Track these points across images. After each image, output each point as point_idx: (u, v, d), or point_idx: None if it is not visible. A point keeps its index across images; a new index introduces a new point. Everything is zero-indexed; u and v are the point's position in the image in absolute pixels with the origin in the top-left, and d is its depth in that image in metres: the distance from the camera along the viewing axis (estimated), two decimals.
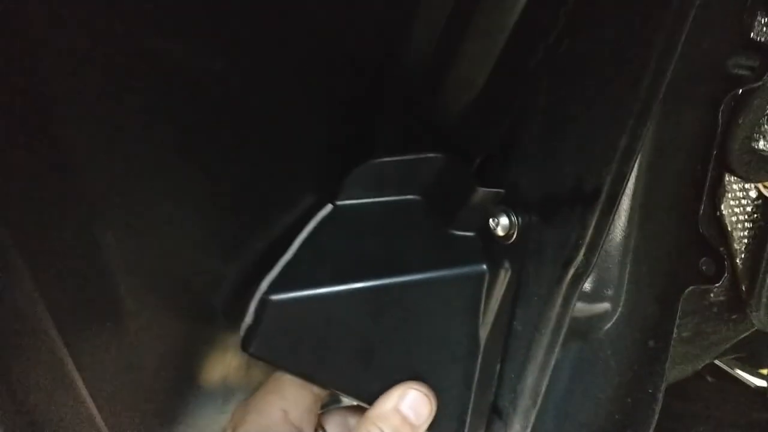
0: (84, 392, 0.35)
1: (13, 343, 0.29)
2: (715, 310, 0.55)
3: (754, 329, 0.59)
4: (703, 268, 0.45)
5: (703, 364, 0.63)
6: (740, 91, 0.42)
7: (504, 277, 0.46)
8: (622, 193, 0.38)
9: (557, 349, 0.45)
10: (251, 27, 0.37)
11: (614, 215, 0.39)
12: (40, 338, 0.30)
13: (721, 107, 0.42)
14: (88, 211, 0.33)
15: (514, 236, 0.45)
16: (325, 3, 0.40)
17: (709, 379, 0.81)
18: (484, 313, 0.47)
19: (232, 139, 0.41)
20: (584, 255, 0.40)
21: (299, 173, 0.48)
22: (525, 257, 0.45)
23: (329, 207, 0.48)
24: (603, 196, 0.39)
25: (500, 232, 0.46)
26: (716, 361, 0.86)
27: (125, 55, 0.31)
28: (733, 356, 0.79)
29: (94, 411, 0.36)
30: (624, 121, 0.37)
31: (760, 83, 0.40)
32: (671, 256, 0.47)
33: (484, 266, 0.46)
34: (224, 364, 0.51)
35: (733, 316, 0.56)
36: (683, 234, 0.46)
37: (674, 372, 0.62)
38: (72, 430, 0.35)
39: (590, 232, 0.40)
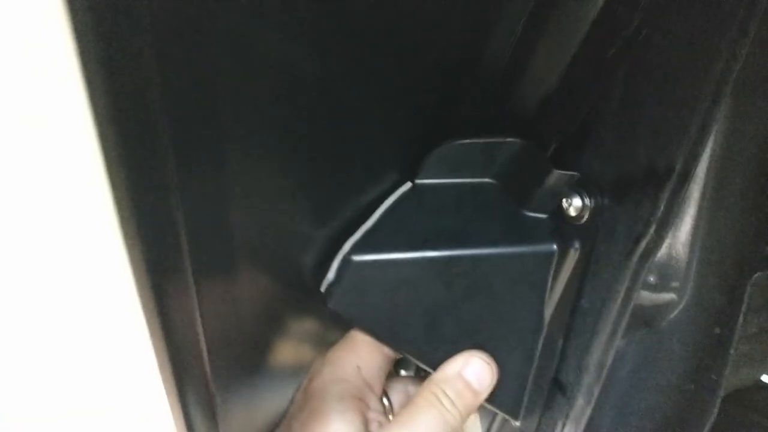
0: (199, 330, 0.39)
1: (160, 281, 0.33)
2: None
3: None
4: None
5: (766, 371, 0.63)
6: None
7: (573, 257, 0.48)
8: (694, 172, 0.40)
9: (623, 326, 0.47)
10: (356, 31, 0.41)
11: (685, 193, 0.41)
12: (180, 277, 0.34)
13: None
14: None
15: (586, 217, 0.48)
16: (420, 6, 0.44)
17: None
18: (551, 291, 0.50)
19: (333, 128, 0.45)
20: (655, 231, 0.42)
21: (386, 155, 0.52)
22: (596, 237, 0.47)
23: (409, 184, 0.52)
24: (675, 175, 0.41)
25: (572, 212, 0.48)
26: None
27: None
28: None
29: (204, 348, 0.40)
30: (698, 104, 0.40)
31: None
32: (739, 243, 0.48)
33: (554, 246, 0.49)
34: (309, 326, 0.55)
35: None
36: (752, 221, 0.48)
37: (741, 374, 0.62)
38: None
39: (662, 208, 0.42)
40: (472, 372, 0.48)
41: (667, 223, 0.42)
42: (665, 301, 0.53)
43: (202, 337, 0.39)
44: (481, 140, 0.50)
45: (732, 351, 0.49)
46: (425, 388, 0.47)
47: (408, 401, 0.49)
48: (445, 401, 0.46)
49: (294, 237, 0.47)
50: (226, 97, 0.34)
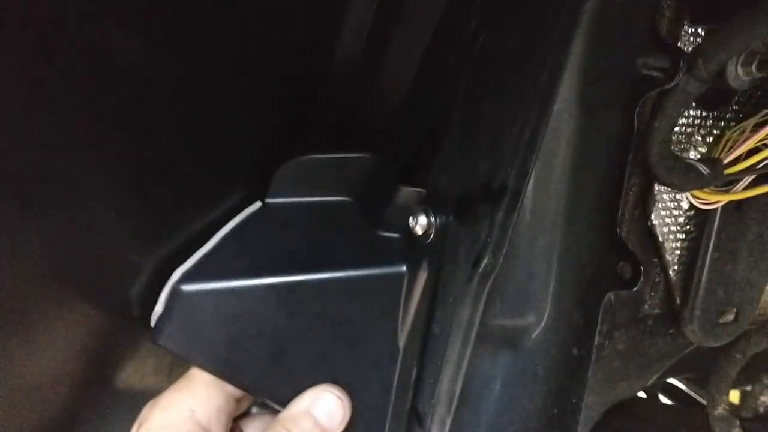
0: None
1: None
2: (650, 323, 0.54)
3: (695, 347, 0.59)
4: (621, 272, 0.44)
5: (649, 382, 0.61)
6: (654, 93, 0.41)
7: (422, 278, 0.45)
8: (525, 191, 0.38)
9: (468, 352, 0.44)
10: (185, 24, 0.37)
11: (518, 212, 0.38)
12: None
13: (636, 110, 0.42)
14: None
15: (432, 235, 0.45)
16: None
17: (663, 399, 0.80)
18: (404, 314, 0.46)
19: (154, 130, 0.40)
20: (492, 253, 0.40)
21: (225, 168, 0.47)
22: (442, 257, 0.44)
23: (257, 204, 0.48)
24: (508, 194, 0.38)
25: (419, 231, 0.45)
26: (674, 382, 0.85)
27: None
28: (684, 376, 0.78)
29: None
30: (526, 116, 0.37)
31: (673, 85, 0.40)
32: (592, 262, 0.46)
33: (404, 267, 0.46)
34: (142, 366, 0.50)
35: (670, 330, 0.55)
36: (604, 239, 0.46)
37: (618, 389, 0.60)
38: None
39: (497, 230, 0.39)
40: (321, 409, 0.44)
41: (502, 244, 0.39)
42: (526, 322, 0.51)
43: None
44: (332, 156, 0.46)
45: (590, 373, 0.47)
46: (271, 429, 0.43)
47: None
48: None
49: (114, 263, 0.43)
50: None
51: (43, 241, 0.37)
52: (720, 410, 0.56)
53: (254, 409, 0.54)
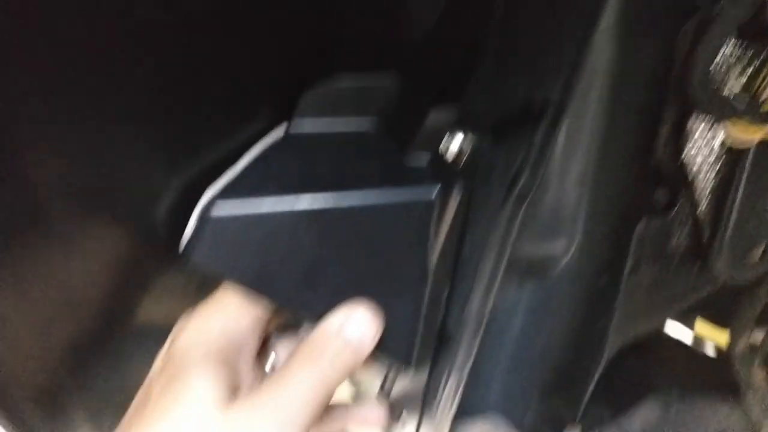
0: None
1: None
2: (676, 258, 0.54)
3: (717, 285, 0.59)
4: (657, 198, 0.44)
5: (668, 318, 0.62)
6: (696, 21, 0.40)
7: (454, 202, 0.45)
8: (568, 106, 0.37)
9: (500, 275, 0.44)
10: None
11: (559, 130, 0.38)
12: None
13: (678, 36, 0.41)
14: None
15: (466, 159, 0.44)
16: None
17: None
18: (435, 238, 0.46)
19: (176, 50, 0.40)
20: (529, 173, 0.40)
21: (250, 90, 0.47)
22: (475, 180, 0.44)
23: (283, 128, 0.47)
24: (549, 111, 0.38)
25: (451, 154, 0.45)
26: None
27: None
28: (699, 314, 0.78)
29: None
30: (571, 34, 0.36)
31: (716, 11, 0.39)
32: (627, 188, 0.46)
33: (435, 191, 0.46)
34: (167, 298, 0.51)
35: (695, 267, 0.55)
36: (640, 165, 0.45)
37: (638, 325, 0.61)
38: None
39: (536, 148, 0.39)
40: (353, 328, 0.44)
41: (539, 164, 0.39)
42: (554, 251, 0.51)
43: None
44: (360, 78, 0.46)
45: (617, 302, 0.47)
46: (300, 348, 0.44)
47: None
48: (321, 362, 0.42)
49: (141, 185, 0.43)
50: None
51: (67, 160, 0.36)
52: (741, 347, 0.56)
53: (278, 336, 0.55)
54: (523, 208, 0.41)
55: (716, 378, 0.68)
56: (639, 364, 0.66)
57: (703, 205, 0.52)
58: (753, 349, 0.58)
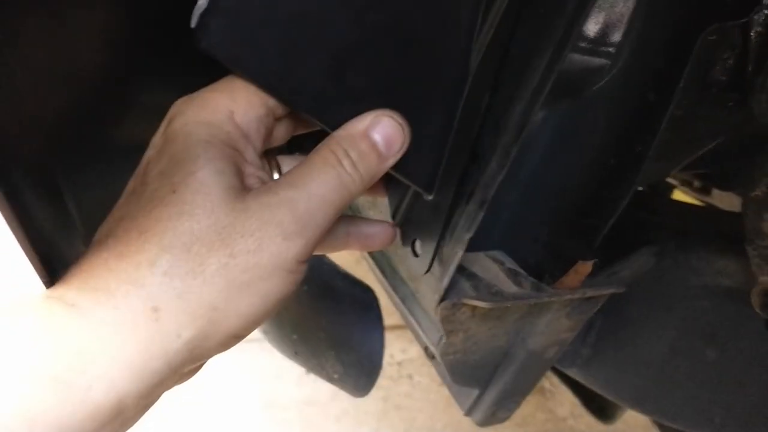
0: None
1: None
2: (713, 90, 0.50)
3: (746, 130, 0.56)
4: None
5: (678, 166, 0.59)
6: None
7: None
8: None
9: (553, 77, 0.39)
10: None
11: None
12: None
13: None
14: None
15: None
16: None
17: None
18: (479, 31, 0.40)
19: None
20: None
21: None
22: None
23: None
24: None
25: None
26: None
27: None
28: (702, 171, 0.77)
29: None
30: None
31: None
32: None
33: None
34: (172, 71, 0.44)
35: (730, 103, 0.52)
36: None
37: (651, 170, 0.58)
38: None
39: None
40: (380, 132, 0.39)
41: None
42: (596, 66, 0.46)
43: None
44: None
45: (664, 122, 0.43)
46: (323, 146, 0.38)
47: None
48: (345, 162, 0.38)
49: None
50: None
51: None
52: (758, 192, 0.54)
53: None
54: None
55: (714, 231, 0.68)
56: (634, 216, 0.65)
57: (755, 30, 0.48)
58: None
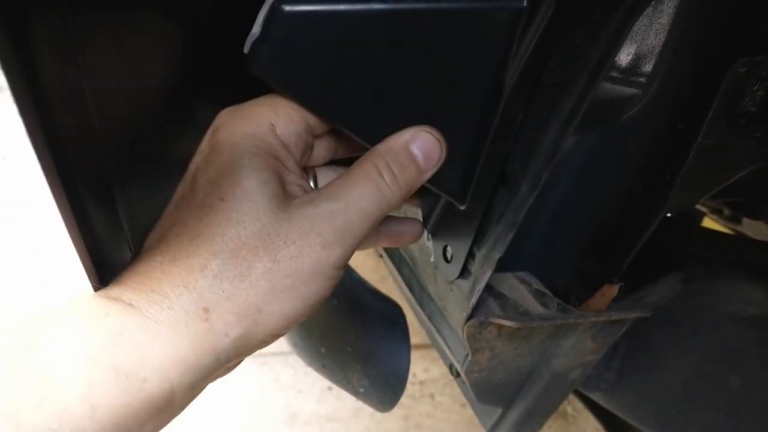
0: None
1: None
2: (742, 121, 0.52)
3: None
4: (762, 35, 0.41)
5: (706, 194, 0.60)
6: None
7: (545, 14, 0.41)
8: None
9: (587, 103, 0.41)
10: None
11: None
12: None
13: None
14: None
15: None
16: None
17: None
18: (515, 55, 0.42)
19: None
20: None
21: None
22: None
23: None
24: None
25: None
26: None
27: None
28: (732, 200, 0.78)
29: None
30: None
31: None
32: (726, 20, 0.42)
33: (525, 1, 0.41)
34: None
35: (759, 133, 0.53)
36: None
37: (678, 198, 0.59)
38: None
39: None
40: (420, 146, 0.41)
41: None
42: (627, 95, 0.48)
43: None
44: None
45: (692, 152, 0.44)
46: (365, 160, 0.41)
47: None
48: (386, 175, 0.40)
49: None
50: None
51: None
52: None
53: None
54: (633, 22, 0.37)
55: (743, 259, 0.68)
56: (663, 242, 0.65)
57: None
58: None
